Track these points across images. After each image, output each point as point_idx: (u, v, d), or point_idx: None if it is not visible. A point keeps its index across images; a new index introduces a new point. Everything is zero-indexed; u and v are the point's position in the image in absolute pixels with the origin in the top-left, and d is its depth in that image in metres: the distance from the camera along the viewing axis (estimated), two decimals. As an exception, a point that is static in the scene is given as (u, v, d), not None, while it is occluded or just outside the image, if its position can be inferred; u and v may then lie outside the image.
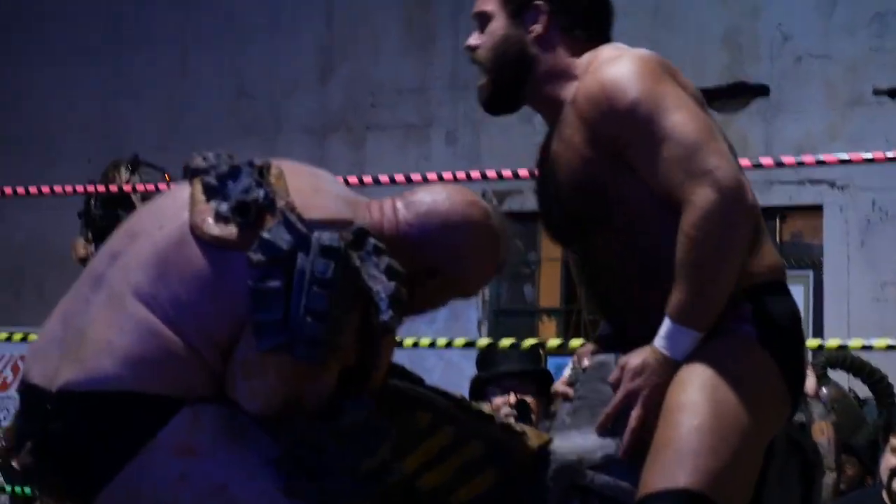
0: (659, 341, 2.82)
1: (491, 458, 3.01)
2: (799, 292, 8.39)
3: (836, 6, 8.48)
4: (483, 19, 3.05)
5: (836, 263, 8.41)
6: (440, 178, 5.56)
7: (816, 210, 8.50)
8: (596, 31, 3.04)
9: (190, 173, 2.75)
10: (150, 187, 6.11)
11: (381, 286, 2.61)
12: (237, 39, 9.94)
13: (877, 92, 8.33)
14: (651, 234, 2.91)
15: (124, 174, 6.73)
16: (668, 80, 2.88)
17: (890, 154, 5.28)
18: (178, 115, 9.98)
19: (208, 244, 2.64)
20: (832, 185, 8.38)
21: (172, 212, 2.73)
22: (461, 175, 5.67)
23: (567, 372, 3.18)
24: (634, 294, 2.97)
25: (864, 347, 5.66)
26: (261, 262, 2.56)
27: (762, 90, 8.57)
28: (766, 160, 5.15)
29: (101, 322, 2.67)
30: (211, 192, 2.69)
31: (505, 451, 3.02)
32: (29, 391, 2.75)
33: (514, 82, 3.03)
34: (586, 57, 2.99)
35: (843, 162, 5.28)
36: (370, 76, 9.65)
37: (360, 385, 2.73)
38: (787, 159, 5.44)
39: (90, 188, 6.28)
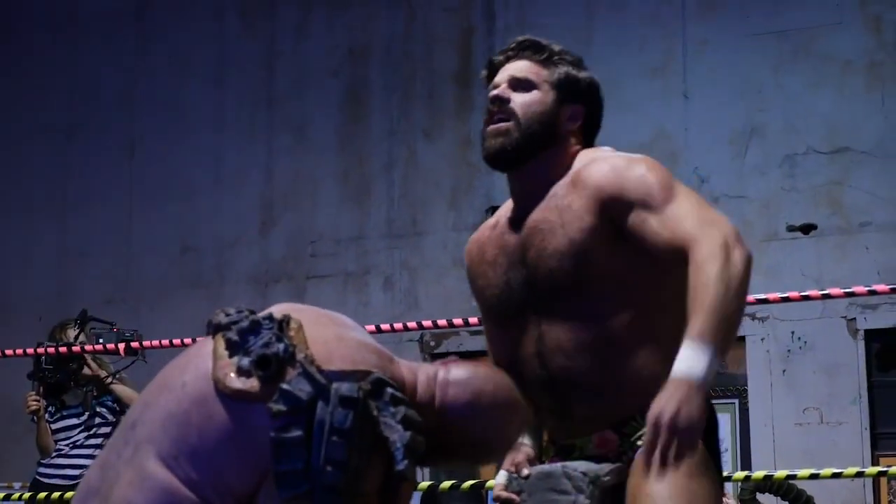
0: (680, 368, 2.68)
1: None
2: (726, 420, 8.40)
3: (748, 149, 8.60)
4: (524, 84, 3.10)
5: (760, 391, 8.43)
6: (378, 329, 5.54)
7: (739, 341, 8.50)
8: (592, 138, 3.18)
9: (213, 329, 2.71)
10: (99, 347, 6.10)
11: (398, 436, 2.56)
12: (181, 196, 9.97)
13: (790, 228, 8.43)
14: (617, 317, 2.93)
15: (71, 333, 6.69)
16: None
17: (804, 293, 5.34)
18: (125, 271, 9.96)
19: (230, 398, 2.59)
20: (753, 317, 8.42)
21: (195, 368, 2.68)
22: (399, 326, 5.68)
23: (501, 479, 3.11)
24: (584, 371, 2.95)
25: (789, 476, 5.67)
26: (281, 413, 2.52)
27: (682, 229, 8.62)
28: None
29: (125, 479, 2.62)
30: (233, 348, 2.64)
31: None
32: None
33: (535, 150, 3.06)
34: (585, 152, 3.10)
35: (760, 301, 5.30)
36: (309, 227, 9.67)
37: None
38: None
39: (40, 350, 6.26)
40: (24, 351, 6.10)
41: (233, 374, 2.60)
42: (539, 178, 3.07)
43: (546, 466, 3.03)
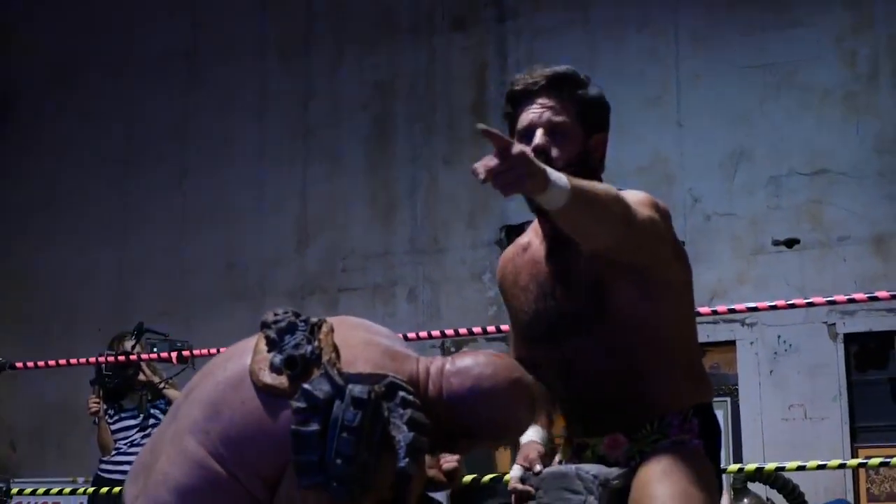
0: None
1: None
2: (719, 416, 8.32)
3: (736, 172, 8.57)
4: (561, 130, 2.92)
5: (750, 390, 8.38)
6: (405, 337, 5.50)
7: (730, 345, 8.50)
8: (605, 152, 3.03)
9: (260, 326, 2.74)
10: (154, 356, 6.08)
11: (402, 436, 2.56)
12: (226, 219, 9.99)
13: (775, 242, 8.39)
14: (636, 349, 2.87)
15: (128, 343, 6.68)
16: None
17: (790, 301, 5.28)
18: (176, 287, 9.97)
19: (261, 390, 2.61)
20: (743, 323, 8.38)
21: (237, 358, 2.71)
22: (423, 334, 5.65)
23: (516, 472, 3.05)
24: (604, 396, 2.91)
25: (778, 468, 5.61)
26: (301, 409, 2.54)
27: (679, 245, 8.60)
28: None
29: (165, 454, 2.67)
30: (271, 345, 2.67)
31: None
32: None
33: None
34: None
35: (751, 310, 5.25)
36: (341, 245, 9.66)
37: None
38: (703, 309, 5.41)
39: (101, 359, 6.24)
40: (87, 360, 6.08)
41: (266, 370, 2.63)
42: None
43: (561, 467, 2.99)
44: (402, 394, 2.60)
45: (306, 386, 2.55)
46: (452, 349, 8.90)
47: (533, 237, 3.09)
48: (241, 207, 9.97)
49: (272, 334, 2.68)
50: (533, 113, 2.95)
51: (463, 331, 5.69)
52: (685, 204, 8.63)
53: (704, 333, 8.30)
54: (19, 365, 5.79)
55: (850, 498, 7.77)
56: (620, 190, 2.78)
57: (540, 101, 2.96)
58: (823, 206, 8.37)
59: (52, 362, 5.99)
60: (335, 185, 9.76)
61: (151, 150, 10.40)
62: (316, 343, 2.64)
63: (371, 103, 9.82)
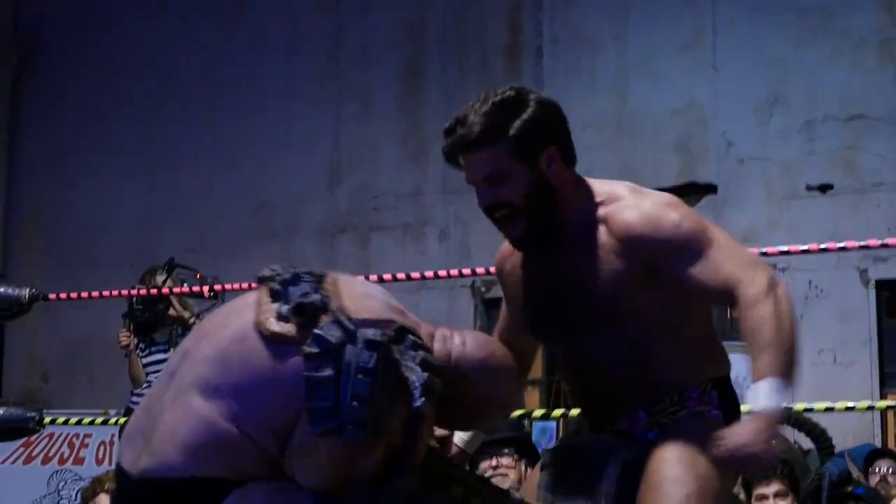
0: (761, 403, 2.66)
1: None
2: (748, 361, 8.36)
3: (772, 116, 8.55)
4: (498, 177, 2.85)
5: (780, 335, 8.37)
6: (436, 275, 5.54)
7: (761, 289, 8.48)
8: (571, 151, 2.94)
9: (259, 281, 2.73)
10: (185, 290, 6.10)
11: (416, 376, 2.58)
12: (257, 157, 10.00)
13: (809, 188, 8.38)
14: (647, 340, 2.87)
15: (159, 277, 6.71)
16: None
17: (822, 245, 5.28)
18: (206, 224, 10.01)
19: (269, 340, 2.61)
20: (774, 267, 8.35)
21: (238, 313, 2.71)
22: (454, 272, 5.68)
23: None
24: (616, 386, 2.91)
25: (806, 410, 5.63)
26: (313, 355, 2.54)
27: (711, 188, 8.62)
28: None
29: (169, 414, 2.65)
30: (275, 296, 2.67)
31: None
32: (120, 474, 2.74)
33: (550, 219, 2.88)
34: (596, 186, 2.92)
35: (783, 254, 5.26)
36: (372, 184, 9.69)
37: (403, 462, 2.68)
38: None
39: (132, 292, 6.28)
40: (119, 292, 6.11)
41: (273, 319, 2.63)
42: (560, 226, 2.90)
43: (576, 440, 3.03)
44: (411, 337, 2.62)
45: (318, 331, 2.56)
46: (483, 289, 8.94)
47: None
48: (271, 147, 9.97)
49: (276, 286, 2.67)
50: (469, 170, 2.91)
51: (493, 270, 5.71)
52: (719, 148, 8.63)
53: (735, 278, 8.36)
54: (52, 296, 5.81)
55: (879, 443, 7.78)
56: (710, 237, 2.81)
57: (470, 156, 2.89)
58: (858, 151, 8.36)
59: (84, 294, 6.01)
60: (367, 125, 9.76)
61: (182, 90, 10.41)
62: (323, 291, 2.65)
63: (403, 44, 9.80)
